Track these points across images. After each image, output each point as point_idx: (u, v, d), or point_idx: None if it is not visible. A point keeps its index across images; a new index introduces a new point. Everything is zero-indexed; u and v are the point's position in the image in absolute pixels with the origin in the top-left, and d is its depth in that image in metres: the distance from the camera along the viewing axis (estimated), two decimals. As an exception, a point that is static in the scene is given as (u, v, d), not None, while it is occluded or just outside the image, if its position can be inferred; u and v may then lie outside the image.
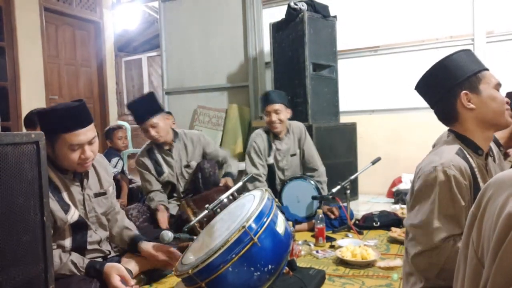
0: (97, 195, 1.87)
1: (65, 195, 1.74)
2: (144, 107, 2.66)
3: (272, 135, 3.05)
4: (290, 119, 3.09)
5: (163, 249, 1.90)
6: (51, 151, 1.67)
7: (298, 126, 3.17)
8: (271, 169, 3.04)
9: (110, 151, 3.99)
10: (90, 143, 1.69)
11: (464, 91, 1.24)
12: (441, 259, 1.12)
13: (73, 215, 1.74)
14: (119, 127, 4.10)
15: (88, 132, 1.68)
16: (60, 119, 1.62)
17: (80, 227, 1.78)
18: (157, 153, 2.77)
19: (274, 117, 2.91)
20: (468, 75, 1.24)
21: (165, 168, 2.76)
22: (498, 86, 1.26)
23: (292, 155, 3.11)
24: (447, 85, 1.27)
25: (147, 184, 2.76)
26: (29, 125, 2.71)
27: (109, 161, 3.81)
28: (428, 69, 1.32)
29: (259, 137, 3.01)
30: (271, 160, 3.02)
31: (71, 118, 1.63)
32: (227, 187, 2.64)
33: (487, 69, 1.28)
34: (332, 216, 2.87)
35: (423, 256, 1.16)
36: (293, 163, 3.11)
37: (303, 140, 3.14)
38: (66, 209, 1.72)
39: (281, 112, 2.93)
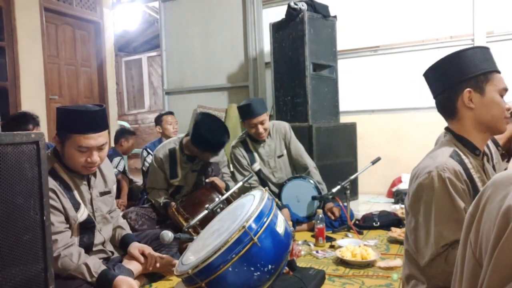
0: (102, 194, 1.89)
1: (75, 193, 1.75)
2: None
3: (251, 142, 3.03)
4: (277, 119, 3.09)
5: (144, 252, 1.92)
6: (60, 148, 1.70)
7: (283, 126, 3.12)
8: (259, 176, 3.01)
9: (112, 151, 4.02)
10: (99, 148, 1.71)
11: (468, 89, 1.21)
12: (449, 266, 1.09)
13: (83, 213, 1.75)
14: (132, 133, 4.15)
15: (100, 138, 1.69)
16: (75, 120, 1.65)
17: (87, 227, 1.79)
18: (178, 157, 2.71)
19: (261, 129, 2.89)
20: (477, 73, 1.21)
21: (179, 172, 2.72)
22: (503, 91, 1.24)
23: (279, 156, 3.06)
24: (453, 78, 1.24)
25: (154, 182, 2.73)
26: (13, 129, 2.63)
27: (111, 160, 3.85)
28: (441, 58, 1.29)
29: (238, 153, 2.98)
30: (257, 167, 3.00)
31: (86, 120, 1.65)
32: (212, 186, 2.62)
33: (498, 71, 1.25)
34: (333, 218, 2.87)
35: (433, 264, 1.14)
36: (281, 164, 3.07)
37: (288, 139, 3.10)
38: (77, 207, 1.74)
39: (266, 121, 2.92)
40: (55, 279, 1.46)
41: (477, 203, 0.70)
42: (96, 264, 1.68)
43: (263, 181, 3.02)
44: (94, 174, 1.86)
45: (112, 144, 4.18)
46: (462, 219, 1.13)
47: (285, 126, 3.13)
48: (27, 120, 2.69)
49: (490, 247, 0.61)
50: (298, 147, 3.12)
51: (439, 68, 1.29)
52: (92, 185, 1.85)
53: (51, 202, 1.61)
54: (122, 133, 4.14)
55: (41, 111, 4.54)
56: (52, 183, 1.64)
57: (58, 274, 1.60)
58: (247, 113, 2.88)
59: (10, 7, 4.21)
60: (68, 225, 1.71)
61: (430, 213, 1.16)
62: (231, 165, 3.06)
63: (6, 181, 1.12)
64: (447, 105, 1.28)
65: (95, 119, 1.68)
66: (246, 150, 3.00)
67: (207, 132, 2.47)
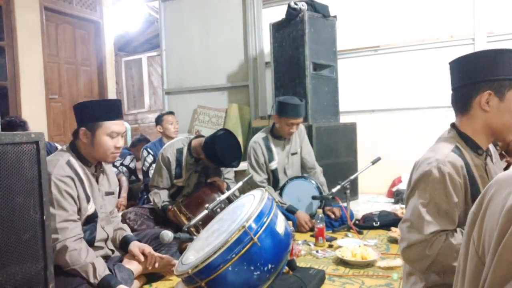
0: (107, 193, 1.95)
1: (86, 187, 1.79)
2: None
3: (273, 138, 3.04)
4: None
5: (144, 251, 1.93)
6: (88, 139, 1.79)
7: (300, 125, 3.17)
8: (274, 173, 3.02)
9: (126, 149, 4.16)
10: (122, 135, 1.86)
11: (489, 91, 1.19)
12: (433, 252, 1.14)
13: (91, 207, 1.80)
14: (147, 141, 4.25)
15: (123, 125, 1.87)
16: (104, 109, 1.81)
17: (92, 222, 1.82)
18: (185, 157, 2.70)
19: (295, 129, 2.94)
20: (503, 77, 1.19)
21: (184, 173, 2.71)
22: None
23: (293, 153, 3.11)
24: (478, 75, 1.21)
25: (159, 181, 2.73)
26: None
27: (125, 157, 3.98)
28: (474, 52, 1.27)
29: (258, 149, 2.98)
30: (274, 166, 3.00)
31: (114, 109, 1.84)
32: (215, 185, 2.62)
33: None
34: (333, 216, 2.87)
35: (414, 248, 1.17)
36: (294, 162, 3.11)
37: (302, 138, 3.17)
38: (87, 199, 1.78)
39: (300, 123, 2.98)
40: (56, 276, 1.47)
41: (481, 201, 0.70)
42: (101, 267, 1.69)
43: (276, 179, 3.02)
44: (103, 172, 1.93)
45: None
46: (452, 213, 1.16)
47: (301, 125, 3.19)
48: (13, 128, 2.67)
49: (493, 244, 0.61)
50: (309, 147, 3.21)
51: (467, 61, 1.25)
52: (100, 182, 1.90)
53: (68, 189, 1.67)
54: (141, 140, 4.33)
55: (41, 110, 4.54)
56: (70, 172, 1.71)
57: (59, 267, 1.62)
58: (291, 111, 2.86)
59: (10, 6, 4.21)
60: (79, 217, 1.74)
61: (422, 201, 1.18)
62: (251, 163, 3.01)
63: (6, 181, 1.12)
64: (462, 100, 1.26)
65: (119, 108, 1.87)
66: (266, 147, 3.00)
67: (221, 151, 2.48)
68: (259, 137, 3.05)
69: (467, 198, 1.19)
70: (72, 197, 1.70)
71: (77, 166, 1.78)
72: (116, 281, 1.68)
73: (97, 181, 1.89)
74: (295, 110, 2.86)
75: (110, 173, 2.01)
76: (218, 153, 2.47)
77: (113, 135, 1.80)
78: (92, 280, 1.65)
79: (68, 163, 1.74)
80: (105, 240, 1.90)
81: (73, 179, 1.71)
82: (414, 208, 1.20)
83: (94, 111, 1.79)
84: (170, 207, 2.58)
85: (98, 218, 1.84)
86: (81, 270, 1.65)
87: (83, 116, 1.81)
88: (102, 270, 1.68)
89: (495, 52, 1.22)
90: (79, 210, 1.74)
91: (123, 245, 1.98)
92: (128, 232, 2.07)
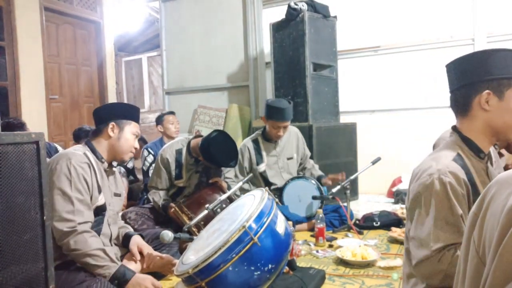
0: (115, 194, 1.98)
1: (98, 179, 1.84)
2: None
3: (263, 141, 3.07)
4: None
5: (143, 251, 1.95)
6: (115, 134, 1.91)
7: (295, 131, 3.22)
8: (264, 176, 3.05)
9: None
10: None
11: (487, 90, 1.17)
12: (442, 266, 1.11)
13: (101, 198, 1.83)
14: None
15: None
16: (134, 111, 2.03)
17: (100, 215, 1.84)
18: (185, 158, 2.70)
19: (282, 132, 2.95)
20: (501, 76, 1.17)
21: (184, 174, 2.71)
22: None
23: (289, 158, 3.12)
24: (476, 76, 1.19)
25: (157, 182, 2.74)
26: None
27: None
28: (471, 52, 1.25)
29: (245, 153, 3.02)
30: (262, 168, 3.03)
31: (138, 114, 2.05)
32: (216, 186, 2.63)
33: None
34: (330, 183, 2.97)
35: (424, 265, 1.14)
36: (289, 166, 3.13)
37: (301, 144, 3.21)
38: (99, 190, 1.83)
39: (288, 126, 2.99)
40: (60, 270, 1.53)
41: (481, 201, 0.70)
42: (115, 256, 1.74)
43: (266, 182, 3.05)
44: (113, 173, 1.98)
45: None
46: (458, 224, 1.13)
47: (297, 132, 3.24)
48: (12, 129, 2.67)
49: (494, 244, 0.61)
50: (307, 151, 3.27)
51: (464, 62, 1.24)
52: (110, 181, 1.94)
53: (85, 175, 1.73)
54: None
55: (41, 110, 4.54)
56: (87, 160, 1.77)
57: (60, 265, 1.63)
58: (278, 115, 2.88)
59: (10, 6, 4.21)
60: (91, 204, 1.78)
61: (427, 215, 1.15)
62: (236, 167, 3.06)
63: (7, 181, 1.12)
64: (462, 101, 1.24)
65: (139, 115, 2.06)
66: (256, 149, 3.02)
67: (216, 153, 2.50)
68: (248, 140, 3.10)
69: (470, 207, 1.16)
70: (87, 184, 1.74)
71: (92, 159, 1.83)
72: (130, 272, 1.70)
73: (108, 179, 1.93)
74: (281, 114, 2.88)
75: (118, 176, 2.06)
76: (214, 155, 2.48)
77: (135, 134, 1.97)
78: (117, 261, 1.68)
79: (85, 154, 1.81)
80: (109, 239, 1.91)
81: (89, 167, 1.78)
82: (419, 223, 1.17)
83: (126, 111, 1.99)
84: (172, 204, 2.58)
85: (106, 212, 1.86)
86: (107, 253, 1.67)
87: (113, 113, 1.94)
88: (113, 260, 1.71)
89: (491, 51, 1.20)
90: (90, 199, 1.78)
91: (125, 241, 2.00)
92: (130, 229, 2.08)
